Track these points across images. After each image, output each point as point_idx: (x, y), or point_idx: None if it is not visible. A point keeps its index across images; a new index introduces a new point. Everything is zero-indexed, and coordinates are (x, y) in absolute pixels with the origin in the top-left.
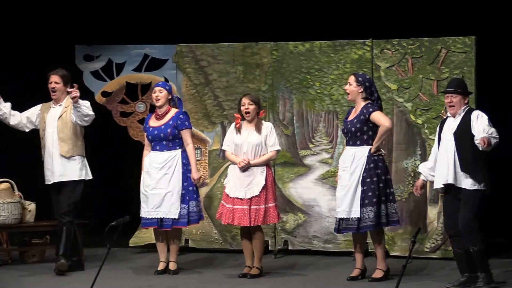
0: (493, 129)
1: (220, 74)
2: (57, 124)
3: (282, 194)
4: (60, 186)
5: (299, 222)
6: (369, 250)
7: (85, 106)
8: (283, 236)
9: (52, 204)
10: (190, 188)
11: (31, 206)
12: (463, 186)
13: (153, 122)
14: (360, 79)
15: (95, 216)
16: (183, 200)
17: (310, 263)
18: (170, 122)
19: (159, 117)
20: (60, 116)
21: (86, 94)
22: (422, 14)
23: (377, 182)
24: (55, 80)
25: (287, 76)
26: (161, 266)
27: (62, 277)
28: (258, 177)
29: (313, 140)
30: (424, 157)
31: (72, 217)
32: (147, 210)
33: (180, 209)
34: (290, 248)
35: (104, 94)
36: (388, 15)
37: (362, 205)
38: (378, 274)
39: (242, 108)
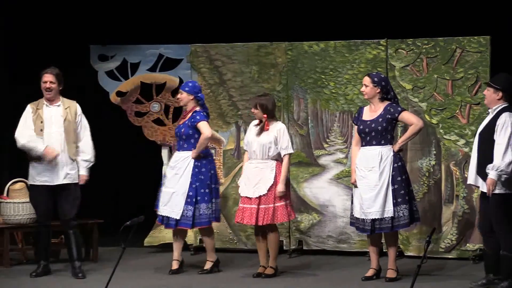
0: (507, 159)
1: (235, 74)
2: (64, 126)
3: (297, 194)
4: (58, 189)
5: (313, 222)
6: (384, 250)
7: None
8: (298, 236)
9: (43, 205)
10: (202, 190)
11: None
12: (481, 188)
13: (180, 121)
14: (375, 79)
15: (110, 215)
16: (190, 201)
17: (324, 263)
18: (186, 122)
19: (183, 117)
20: (65, 118)
21: (101, 94)
22: (437, 14)
23: (406, 180)
24: (50, 80)
25: (301, 76)
26: (174, 265)
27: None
28: (267, 176)
29: (327, 140)
30: (439, 157)
31: (76, 219)
32: (160, 206)
33: (186, 210)
34: (304, 248)
35: (119, 94)
36: (403, 14)
37: (395, 204)
38: (392, 274)
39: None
